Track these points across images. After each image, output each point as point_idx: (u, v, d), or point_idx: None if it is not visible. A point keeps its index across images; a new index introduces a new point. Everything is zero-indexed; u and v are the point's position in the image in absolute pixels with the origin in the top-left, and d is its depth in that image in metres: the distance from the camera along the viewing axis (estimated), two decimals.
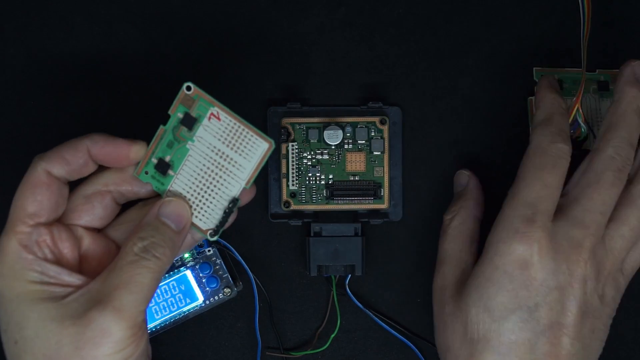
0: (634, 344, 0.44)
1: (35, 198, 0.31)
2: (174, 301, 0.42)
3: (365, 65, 0.48)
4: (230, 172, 0.32)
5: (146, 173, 0.33)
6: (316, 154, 0.45)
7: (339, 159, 0.45)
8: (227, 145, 0.32)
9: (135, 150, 0.33)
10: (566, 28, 0.48)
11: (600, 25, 0.48)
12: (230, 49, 0.48)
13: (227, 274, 0.43)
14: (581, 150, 0.46)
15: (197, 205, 0.32)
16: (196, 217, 0.32)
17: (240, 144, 0.32)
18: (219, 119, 0.33)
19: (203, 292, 0.43)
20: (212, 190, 0.32)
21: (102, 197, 0.34)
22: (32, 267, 0.30)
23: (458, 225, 0.38)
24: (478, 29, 0.48)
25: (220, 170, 0.32)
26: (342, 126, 0.45)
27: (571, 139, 0.43)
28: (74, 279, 0.30)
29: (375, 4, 0.49)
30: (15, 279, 0.29)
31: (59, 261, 0.31)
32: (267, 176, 0.45)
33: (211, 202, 0.32)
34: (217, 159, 0.32)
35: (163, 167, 0.33)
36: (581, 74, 0.43)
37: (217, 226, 0.32)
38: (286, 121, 0.45)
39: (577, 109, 0.42)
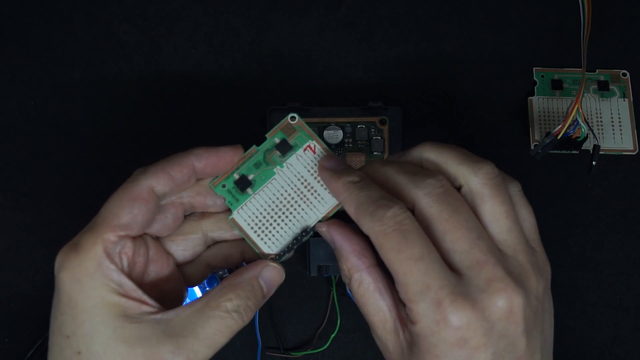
0: (634, 344, 0.44)
1: (132, 211, 0.30)
2: None
3: (365, 65, 0.48)
4: (311, 202, 0.32)
5: (223, 186, 0.32)
6: None
7: None
8: (315, 177, 0.32)
9: (239, 154, 0.33)
10: (566, 28, 0.48)
11: (600, 25, 0.48)
12: (231, 49, 0.48)
13: (227, 274, 0.43)
14: (581, 150, 0.46)
15: (266, 229, 0.32)
16: (261, 239, 0.32)
17: None
18: (314, 151, 0.33)
19: (203, 292, 0.43)
20: (286, 217, 0.32)
21: (175, 207, 0.33)
22: (112, 277, 0.29)
23: (357, 290, 0.31)
24: (478, 29, 0.48)
25: (301, 199, 0.32)
26: (342, 126, 0.45)
27: (571, 139, 0.43)
28: (151, 300, 0.30)
29: (375, 4, 0.49)
30: (94, 287, 0.29)
31: (131, 274, 0.30)
32: None
33: (281, 228, 0.32)
34: (300, 188, 0.32)
35: (243, 184, 0.32)
36: (581, 74, 0.43)
37: (281, 252, 0.32)
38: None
39: (577, 109, 0.42)
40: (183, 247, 0.34)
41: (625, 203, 0.46)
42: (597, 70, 0.47)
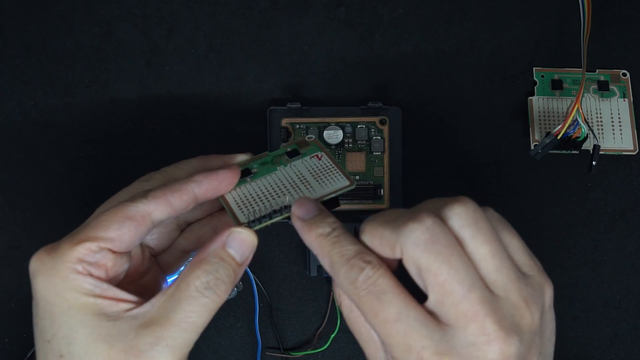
0: (634, 344, 0.44)
1: (121, 228, 0.29)
2: None
3: (365, 65, 0.48)
4: (300, 190, 0.33)
5: None
6: None
7: (339, 159, 0.45)
8: (312, 175, 0.34)
9: (237, 175, 0.33)
10: (566, 28, 0.48)
11: (600, 25, 0.48)
12: (231, 49, 0.48)
13: None
14: (581, 150, 0.46)
15: (249, 204, 0.32)
16: (241, 211, 0.32)
17: (325, 176, 0.34)
18: (319, 159, 0.35)
19: None
20: (272, 198, 0.33)
21: (170, 223, 0.34)
22: (87, 280, 0.29)
23: (348, 316, 0.30)
24: (478, 29, 0.48)
25: (292, 187, 0.33)
26: (342, 126, 0.45)
27: (571, 139, 0.43)
28: (128, 296, 0.29)
29: (375, 4, 0.49)
30: (69, 289, 0.28)
31: (107, 274, 0.30)
32: None
33: (263, 204, 0.32)
34: (295, 181, 0.33)
35: (244, 174, 0.34)
36: (581, 74, 0.43)
37: (254, 219, 0.32)
38: (286, 121, 0.45)
39: (577, 109, 0.42)
40: (157, 236, 0.34)
41: (625, 203, 0.46)
42: (597, 70, 0.47)
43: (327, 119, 0.45)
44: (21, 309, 0.43)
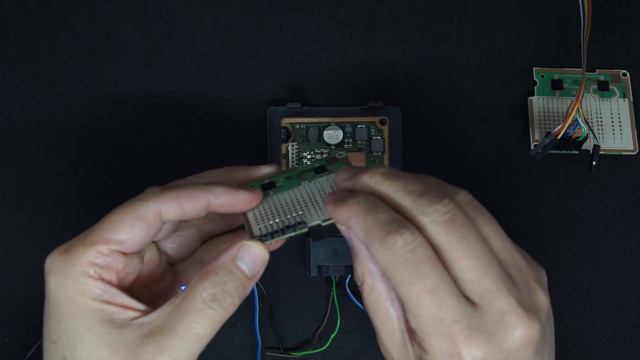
0: (634, 344, 0.44)
1: (132, 230, 0.29)
2: None
3: (365, 65, 0.48)
4: (319, 207, 0.32)
5: (251, 186, 0.33)
6: (316, 154, 0.45)
7: None
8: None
9: (258, 199, 0.32)
10: (566, 28, 0.48)
11: (600, 25, 0.48)
12: (231, 49, 0.48)
13: None
14: (581, 150, 0.46)
15: (267, 218, 0.32)
16: (257, 225, 0.32)
17: None
18: None
19: None
20: (290, 213, 0.32)
21: (192, 234, 0.34)
22: (97, 285, 0.29)
23: (368, 296, 0.30)
24: (478, 29, 0.48)
25: (312, 204, 0.32)
26: (342, 126, 0.45)
27: (571, 139, 0.43)
28: (136, 304, 0.29)
29: (375, 4, 0.49)
30: (78, 293, 0.28)
31: (119, 280, 0.30)
32: None
33: (281, 219, 0.32)
34: (317, 197, 0.32)
35: (268, 187, 0.33)
36: (581, 74, 0.43)
37: (267, 233, 0.31)
38: (286, 121, 0.45)
39: (577, 109, 0.42)
40: (177, 245, 0.34)
41: (625, 203, 0.46)
42: (597, 70, 0.47)
43: (327, 119, 0.45)
44: (21, 309, 0.43)
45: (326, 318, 0.44)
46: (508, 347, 0.26)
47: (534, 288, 0.27)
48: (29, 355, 0.42)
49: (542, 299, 0.27)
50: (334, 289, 0.44)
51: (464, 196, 0.28)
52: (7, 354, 0.43)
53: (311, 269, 0.43)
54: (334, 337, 0.43)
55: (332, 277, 0.44)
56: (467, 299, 0.26)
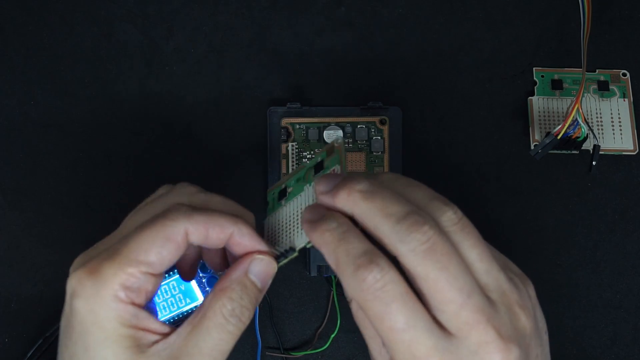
0: (634, 344, 0.44)
1: (161, 252, 0.28)
2: (174, 301, 0.42)
3: (365, 65, 0.48)
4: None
5: (273, 194, 0.33)
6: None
7: None
8: None
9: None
10: (566, 28, 0.48)
11: (600, 25, 0.48)
12: (230, 49, 0.48)
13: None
14: (581, 150, 0.46)
15: (277, 232, 0.32)
16: (269, 236, 0.32)
17: None
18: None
19: (203, 292, 0.43)
20: (292, 228, 0.31)
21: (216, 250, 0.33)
22: (128, 310, 0.28)
23: (356, 313, 0.30)
24: (478, 29, 0.48)
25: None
26: (342, 126, 0.45)
27: (571, 139, 0.43)
28: (159, 326, 0.29)
29: (375, 4, 0.49)
30: (108, 319, 0.28)
31: (147, 305, 0.30)
32: (267, 176, 0.45)
33: (286, 235, 0.32)
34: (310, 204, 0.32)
35: (282, 195, 0.33)
36: (581, 74, 0.43)
37: (279, 256, 0.32)
38: (286, 121, 0.45)
39: (577, 109, 0.42)
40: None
41: (625, 203, 0.46)
42: (597, 70, 0.47)
43: (327, 119, 0.45)
44: (21, 309, 0.43)
45: (326, 318, 0.44)
46: None
47: (516, 313, 0.27)
48: (29, 355, 0.42)
49: (524, 322, 0.27)
50: (334, 289, 0.43)
51: (451, 215, 0.27)
52: (7, 354, 0.43)
53: (311, 269, 0.43)
54: (334, 337, 0.43)
55: (332, 277, 0.44)
56: (444, 329, 0.26)
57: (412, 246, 0.25)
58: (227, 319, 0.28)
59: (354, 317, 0.30)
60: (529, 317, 0.27)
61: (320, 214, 0.28)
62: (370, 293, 0.25)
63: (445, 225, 0.26)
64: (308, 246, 0.30)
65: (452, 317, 0.25)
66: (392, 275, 0.25)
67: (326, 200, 0.28)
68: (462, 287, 0.25)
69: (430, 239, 0.25)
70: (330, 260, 0.27)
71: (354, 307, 0.29)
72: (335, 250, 0.26)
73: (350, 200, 0.27)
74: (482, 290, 0.26)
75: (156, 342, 0.28)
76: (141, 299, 0.29)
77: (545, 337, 0.29)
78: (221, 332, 0.28)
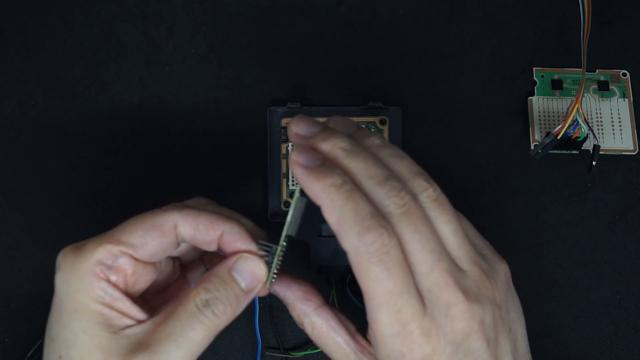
0: (634, 344, 0.44)
1: (145, 236, 0.29)
2: None
3: (365, 65, 0.48)
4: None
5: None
6: None
7: None
8: None
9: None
10: (566, 28, 0.48)
11: (600, 25, 0.48)
12: (231, 49, 0.48)
13: None
14: (581, 150, 0.46)
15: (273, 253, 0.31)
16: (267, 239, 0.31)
17: None
18: None
19: None
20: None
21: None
22: (101, 286, 0.28)
23: (312, 333, 0.31)
24: (478, 29, 0.48)
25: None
26: None
27: (571, 139, 0.43)
28: (136, 312, 0.29)
29: (375, 4, 0.49)
30: (80, 291, 0.28)
31: (127, 285, 0.30)
32: (267, 176, 0.45)
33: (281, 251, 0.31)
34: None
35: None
36: (581, 74, 0.43)
37: (276, 274, 0.31)
38: (286, 121, 0.45)
39: (577, 109, 0.42)
40: (185, 247, 0.34)
41: (625, 203, 0.46)
42: (597, 70, 0.47)
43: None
44: (21, 309, 0.43)
45: None
46: (455, 339, 0.27)
47: (482, 280, 0.28)
48: (29, 355, 0.42)
49: (490, 290, 0.28)
50: (334, 289, 0.43)
51: (430, 192, 0.28)
52: (7, 354, 0.43)
53: (311, 269, 0.43)
54: None
55: (332, 277, 0.43)
56: (418, 291, 0.27)
57: (390, 209, 0.26)
58: (199, 308, 0.28)
59: (312, 338, 0.31)
60: (494, 288, 0.28)
61: (315, 160, 0.27)
62: (375, 256, 0.26)
63: (423, 201, 0.28)
64: (290, 233, 0.29)
65: (424, 279, 0.26)
66: (396, 241, 0.26)
67: (306, 143, 0.28)
68: (432, 249, 0.26)
69: (406, 204, 0.26)
70: (332, 214, 0.26)
71: (308, 329, 0.31)
72: (342, 209, 0.26)
73: (332, 155, 0.27)
74: (451, 258, 0.27)
75: (130, 326, 0.29)
76: (120, 280, 0.29)
77: (520, 321, 0.30)
78: (191, 320, 0.28)
